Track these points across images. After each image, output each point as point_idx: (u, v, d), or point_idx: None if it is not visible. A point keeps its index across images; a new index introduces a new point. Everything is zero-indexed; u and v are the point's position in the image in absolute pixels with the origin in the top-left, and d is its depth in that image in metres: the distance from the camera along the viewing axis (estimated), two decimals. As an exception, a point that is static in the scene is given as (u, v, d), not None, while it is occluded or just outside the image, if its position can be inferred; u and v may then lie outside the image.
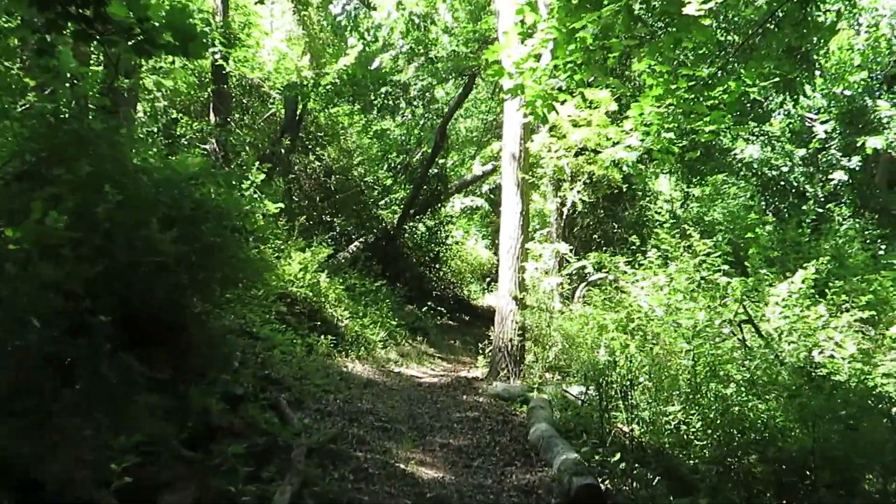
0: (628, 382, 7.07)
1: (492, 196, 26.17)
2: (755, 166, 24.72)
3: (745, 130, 23.82)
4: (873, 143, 19.40)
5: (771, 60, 11.59)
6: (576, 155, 11.36)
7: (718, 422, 6.31)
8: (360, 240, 18.57)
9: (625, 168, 10.85)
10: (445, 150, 20.89)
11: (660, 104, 8.78)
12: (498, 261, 11.40)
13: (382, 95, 18.77)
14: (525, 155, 11.18)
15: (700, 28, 7.55)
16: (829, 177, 24.33)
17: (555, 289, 10.78)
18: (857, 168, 23.69)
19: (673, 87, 8.59)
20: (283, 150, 15.49)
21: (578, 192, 11.15)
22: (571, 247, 11.08)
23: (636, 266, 11.77)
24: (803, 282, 10.39)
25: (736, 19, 13.95)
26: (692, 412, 6.52)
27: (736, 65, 12.31)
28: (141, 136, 13.24)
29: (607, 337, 10.13)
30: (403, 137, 20.32)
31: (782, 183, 25.18)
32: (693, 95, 8.76)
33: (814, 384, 6.59)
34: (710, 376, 6.97)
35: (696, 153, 13.51)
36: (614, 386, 7.32)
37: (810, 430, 5.64)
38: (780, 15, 12.19)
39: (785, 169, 24.98)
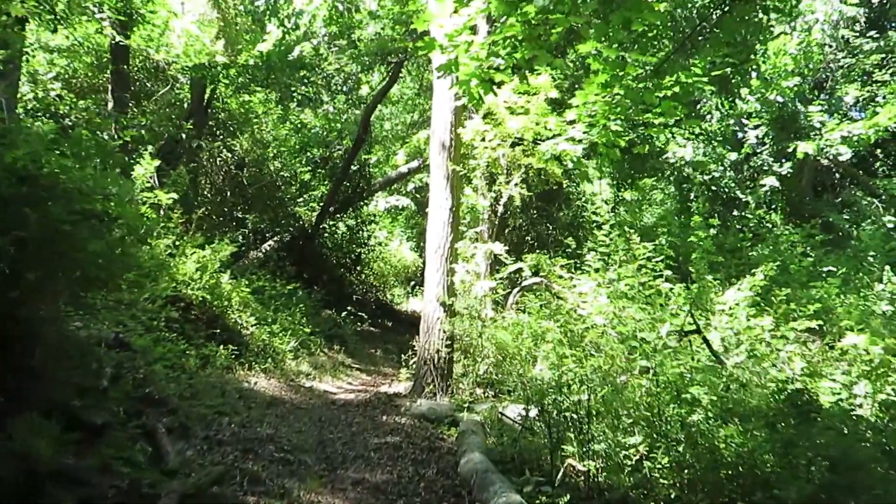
0: (582, 407, 5.94)
1: (417, 195, 25.02)
2: (687, 170, 24.29)
3: (680, 133, 23.37)
4: (804, 148, 19.08)
5: (722, 49, 10.77)
6: (512, 146, 10.25)
7: (688, 458, 5.24)
8: (275, 239, 17.11)
9: (567, 163, 9.81)
10: (369, 144, 19.58)
11: (606, 93, 7.84)
12: (424, 263, 10.20)
13: (301, 85, 17.36)
14: (456, 144, 10.00)
15: (651, 10, 6.70)
16: (761, 182, 24.11)
17: (487, 294, 9.63)
18: (788, 174, 23.56)
19: (620, 74, 7.68)
20: (185, 137, 13.91)
21: (516, 184, 10.02)
22: (506, 247, 9.95)
23: (575, 270, 10.86)
24: (750, 289, 9.61)
25: (688, 7, 13.13)
26: (657, 445, 5.43)
27: (685, 56, 11.42)
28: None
29: (545, 349, 9.11)
30: (323, 130, 18.88)
31: (713, 188, 24.79)
32: (643, 84, 7.84)
33: (796, 410, 5.58)
34: (673, 400, 5.91)
35: (644, 147, 12.75)
36: (562, 410, 6.18)
37: (805, 472, 4.61)
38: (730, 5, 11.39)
39: (717, 174, 24.59)
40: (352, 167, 18.28)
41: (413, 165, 21.03)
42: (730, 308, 9.30)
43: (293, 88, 17.08)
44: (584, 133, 8.89)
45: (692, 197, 24.62)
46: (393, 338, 16.78)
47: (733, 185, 24.37)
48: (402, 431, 7.93)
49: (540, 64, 7.95)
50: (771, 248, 17.13)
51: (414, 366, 10.59)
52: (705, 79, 8.38)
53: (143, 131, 13.82)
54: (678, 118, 8.82)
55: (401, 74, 19.03)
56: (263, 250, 16.53)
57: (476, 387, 9.47)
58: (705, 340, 8.33)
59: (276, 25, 17.19)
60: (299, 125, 18.52)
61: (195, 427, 6.70)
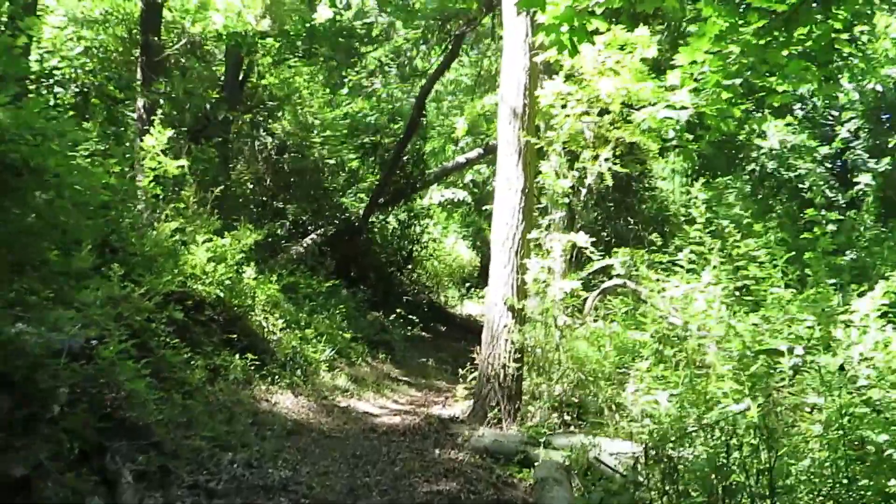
0: (754, 467, 3.95)
1: (475, 190, 23.16)
2: (771, 164, 21.96)
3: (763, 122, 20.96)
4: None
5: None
6: (600, 114, 8.28)
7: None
8: (318, 232, 15.39)
9: (668, 133, 7.81)
10: (423, 129, 17.74)
11: (720, 48, 5.99)
12: (486, 258, 8.30)
13: (350, 58, 15.66)
14: (531, 111, 8.09)
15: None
16: (855, 180, 21.74)
17: (567, 297, 7.67)
18: (886, 171, 21.23)
19: (739, 23, 5.86)
20: (216, 115, 12.27)
21: (606, 159, 8.02)
22: (592, 239, 7.97)
23: (663, 271, 8.94)
24: (884, 296, 7.55)
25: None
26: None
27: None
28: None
29: (640, 367, 7.25)
30: (373, 111, 17.08)
31: (800, 186, 22.33)
32: (765, 39, 5.97)
33: None
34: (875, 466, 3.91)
35: (764, 120, 10.75)
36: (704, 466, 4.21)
37: None
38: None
39: (804, 170, 22.14)
40: (404, 155, 16.47)
41: (472, 155, 19.10)
42: (860, 320, 7.30)
43: (339, 65, 15.37)
44: (691, 97, 6.94)
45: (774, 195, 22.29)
46: (447, 345, 14.90)
47: (822, 182, 21.96)
48: (461, 474, 6.04)
49: (647, 5, 6.08)
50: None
51: (474, 383, 8.71)
52: (846, 36, 6.50)
53: (163, 100, 12.23)
54: (815, 80, 6.87)
55: (460, 53, 17.17)
56: (305, 244, 14.86)
57: (551, 412, 7.54)
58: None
59: (328, 4, 15.55)
60: (347, 108, 16.78)
61: (181, 469, 4.94)
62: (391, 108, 17.07)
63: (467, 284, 22.74)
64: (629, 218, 13.34)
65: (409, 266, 18.17)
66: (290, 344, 8.70)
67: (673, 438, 4.94)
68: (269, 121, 15.12)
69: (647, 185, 15.56)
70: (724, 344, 7.21)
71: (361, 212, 16.15)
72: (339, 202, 16.15)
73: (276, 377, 7.89)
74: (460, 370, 12.08)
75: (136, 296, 6.59)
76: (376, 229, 17.18)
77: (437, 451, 6.64)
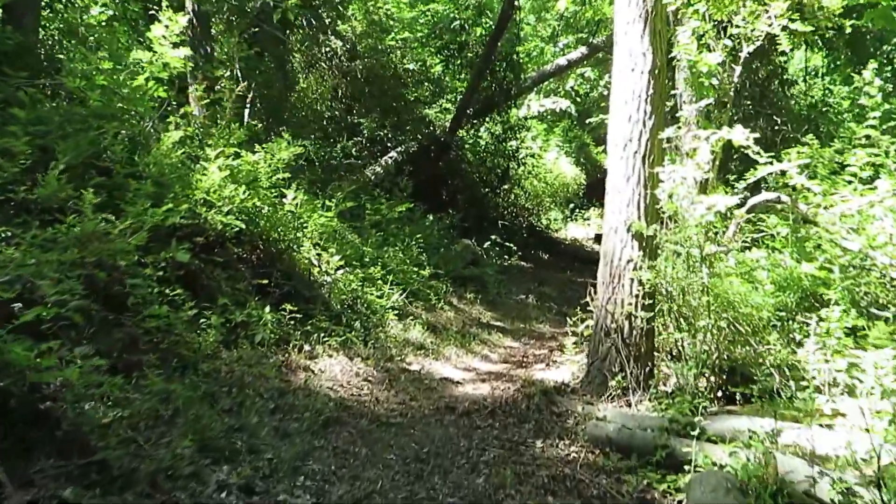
0: None
1: (577, 98, 20.55)
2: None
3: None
4: None
5: None
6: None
7: None
8: (398, 149, 13.40)
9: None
10: (517, 26, 15.24)
11: None
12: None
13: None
14: (661, -44, 5.70)
15: None
16: None
17: (718, 217, 5.39)
18: None
19: None
20: (272, 13, 10.26)
21: (773, 17, 5.50)
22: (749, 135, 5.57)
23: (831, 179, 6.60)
24: None
25: None
26: None
27: None
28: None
29: (828, 316, 5.07)
30: (457, 7, 14.62)
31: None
32: None
33: None
34: None
35: None
36: None
37: None
38: None
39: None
40: (495, 57, 14.09)
41: (574, 56, 16.55)
42: None
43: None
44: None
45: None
46: (550, 276, 12.79)
47: None
48: (575, 483, 4.03)
49: None
50: None
51: (587, 332, 6.64)
52: None
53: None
54: None
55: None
56: (385, 163, 12.91)
57: (698, 379, 5.38)
58: None
59: None
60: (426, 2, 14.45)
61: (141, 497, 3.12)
62: (478, 1, 14.61)
63: (571, 205, 20.40)
64: (773, 116, 10.67)
65: (505, 186, 15.99)
66: (348, 287, 6.80)
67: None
68: (338, 21, 13.02)
69: (785, 79, 12.69)
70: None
71: (448, 125, 14.02)
72: (421, 114, 14.05)
73: (325, 334, 5.99)
74: (567, 310, 10.02)
75: (117, 231, 4.76)
76: (466, 145, 15.01)
77: (538, 445, 4.62)
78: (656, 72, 5.79)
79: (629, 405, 5.43)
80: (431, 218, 11.39)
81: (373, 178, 12.20)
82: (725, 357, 5.50)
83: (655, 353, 5.90)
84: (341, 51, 13.12)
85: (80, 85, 5.70)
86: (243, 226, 5.47)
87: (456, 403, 5.35)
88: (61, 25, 7.13)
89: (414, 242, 8.83)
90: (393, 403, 5.15)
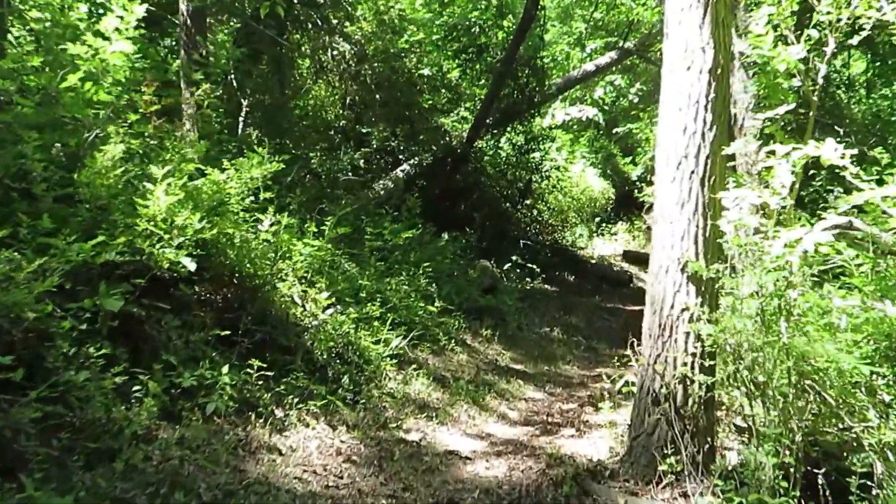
0: None
1: (605, 106, 19.30)
2: None
3: None
4: None
5: None
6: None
7: None
8: (411, 161, 12.28)
9: None
10: (541, 28, 14.07)
11: None
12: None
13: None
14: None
15: None
16: None
17: (804, 256, 4.17)
18: None
19: None
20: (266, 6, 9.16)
21: (886, 1, 4.29)
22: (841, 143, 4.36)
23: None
24: None
25: None
26: None
27: None
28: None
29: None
30: (476, 7, 13.48)
31: None
32: None
33: None
34: None
35: None
36: None
37: None
38: None
39: None
40: (517, 61, 12.92)
41: (603, 61, 15.35)
42: None
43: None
44: None
45: None
46: (577, 302, 11.55)
47: None
48: None
49: None
50: None
51: (625, 390, 5.43)
52: None
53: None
54: None
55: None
56: (396, 177, 11.80)
57: (776, 467, 4.14)
58: None
59: None
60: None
61: None
62: (499, 1, 13.45)
63: (597, 219, 19.13)
64: (836, 126, 9.39)
65: (527, 201, 14.79)
66: (338, 330, 5.63)
67: None
68: (346, 22, 11.92)
69: (844, 83, 11.39)
70: None
71: (465, 135, 12.86)
72: (436, 123, 12.90)
73: (303, 395, 4.83)
74: (596, 345, 8.85)
75: (23, 275, 3.66)
76: (485, 157, 13.85)
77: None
78: (718, 71, 4.59)
79: (685, 496, 4.23)
80: (446, 237, 10.24)
81: (382, 192, 11.10)
82: (811, 438, 4.28)
83: (715, 428, 4.69)
84: (349, 54, 12.01)
85: (3, 86, 4.61)
86: (192, 267, 4.31)
87: (462, 494, 4.16)
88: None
89: (422, 272, 7.64)
90: (381, 497, 3.97)
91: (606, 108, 19.73)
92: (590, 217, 18.44)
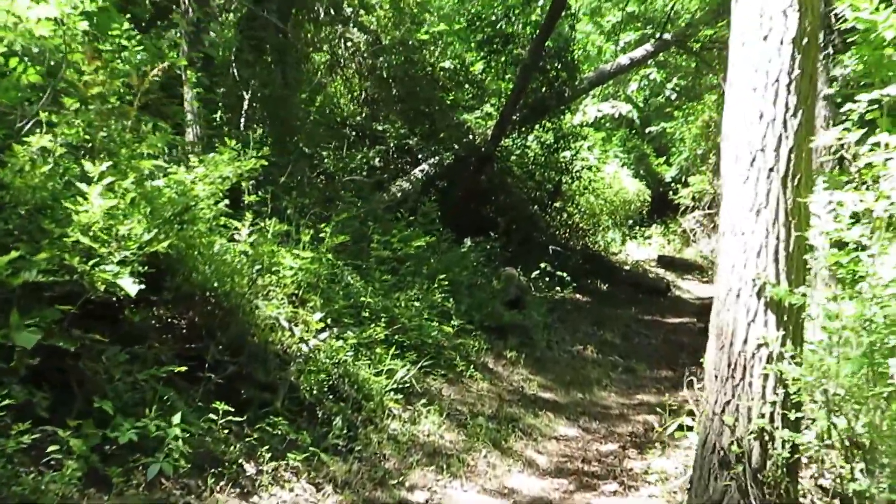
0: None
1: (639, 103, 18.23)
2: None
3: None
4: None
5: None
6: None
7: None
8: (431, 161, 11.37)
9: None
10: (572, 18, 13.08)
11: None
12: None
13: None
14: None
15: None
16: None
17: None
18: None
19: None
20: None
21: None
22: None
23: None
24: None
25: None
26: None
27: None
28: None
29: None
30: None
31: None
32: None
33: None
34: None
35: None
36: None
37: None
38: None
39: None
40: (545, 53, 11.95)
41: (638, 54, 14.29)
42: None
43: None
44: None
45: None
46: (611, 314, 10.53)
47: None
48: None
49: None
50: None
51: (679, 435, 4.46)
52: None
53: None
54: None
55: None
56: (414, 178, 10.91)
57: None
58: None
59: None
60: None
61: None
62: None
63: (630, 222, 18.06)
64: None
65: (557, 203, 13.81)
66: (333, 359, 4.71)
67: None
68: (361, 11, 11.04)
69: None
70: None
71: (490, 133, 11.91)
72: (459, 120, 11.97)
73: (283, 443, 3.92)
74: (634, 366, 7.87)
75: None
76: (512, 156, 12.90)
77: None
78: (805, 41, 3.61)
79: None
80: (468, 243, 9.32)
81: (398, 195, 10.22)
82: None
83: (797, 490, 3.70)
84: (364, 45, 11.14)
85: None
86: (132, 291, 3.42)
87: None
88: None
89: (437, 285, 6.69)
90: None
91: (641, 104, 18.70)
92: (623, 220, 17.39)
